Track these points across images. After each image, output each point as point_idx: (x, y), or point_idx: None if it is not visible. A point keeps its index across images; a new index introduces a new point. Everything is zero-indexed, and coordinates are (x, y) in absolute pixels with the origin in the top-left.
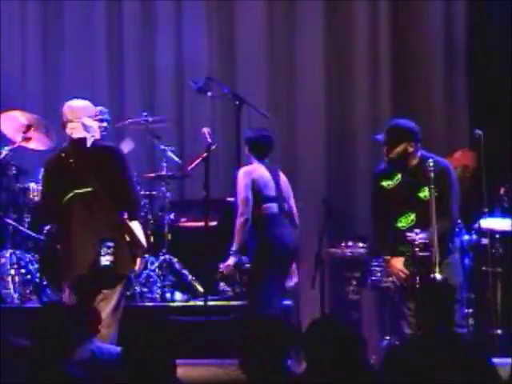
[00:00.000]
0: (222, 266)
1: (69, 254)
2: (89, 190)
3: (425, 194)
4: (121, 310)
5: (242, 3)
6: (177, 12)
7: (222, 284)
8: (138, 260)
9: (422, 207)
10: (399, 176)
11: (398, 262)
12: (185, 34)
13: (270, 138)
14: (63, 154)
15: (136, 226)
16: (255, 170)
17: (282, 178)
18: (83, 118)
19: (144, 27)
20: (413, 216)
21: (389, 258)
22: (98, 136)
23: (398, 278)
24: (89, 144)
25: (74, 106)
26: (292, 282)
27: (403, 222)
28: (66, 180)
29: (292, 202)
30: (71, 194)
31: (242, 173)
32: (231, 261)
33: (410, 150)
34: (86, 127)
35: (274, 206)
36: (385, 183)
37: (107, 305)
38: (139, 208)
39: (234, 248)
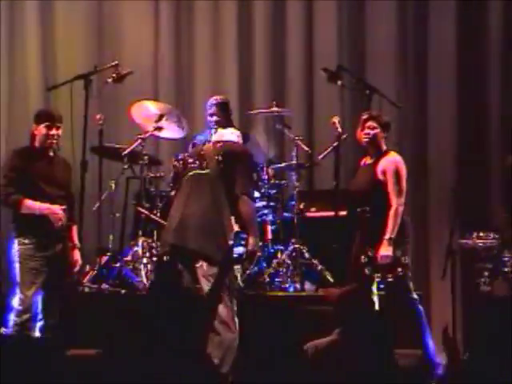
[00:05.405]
0: (380, 254)
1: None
2: (207, 172)
3: None
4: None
5: (373, 2)
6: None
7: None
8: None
9: None
10: None
11: None
12: (315, 23)
13: None
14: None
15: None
16: None
17: None
18: None
19: (275, 20)
20: None
21: None
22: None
23: None
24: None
25: None
26: None
27: None
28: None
29: None
30: (190, 174)
31: (400, 160)
32: (390, 251)
33: None
34: None
35: None
36: None
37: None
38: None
39: (390, 236)
